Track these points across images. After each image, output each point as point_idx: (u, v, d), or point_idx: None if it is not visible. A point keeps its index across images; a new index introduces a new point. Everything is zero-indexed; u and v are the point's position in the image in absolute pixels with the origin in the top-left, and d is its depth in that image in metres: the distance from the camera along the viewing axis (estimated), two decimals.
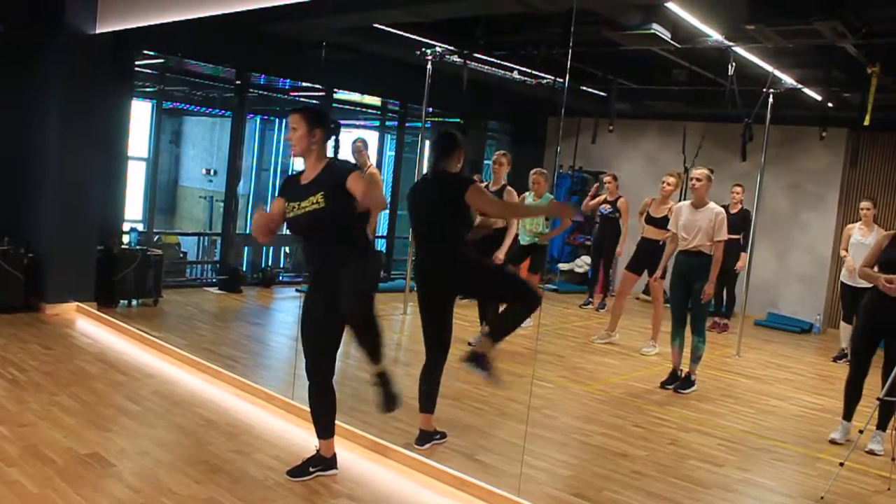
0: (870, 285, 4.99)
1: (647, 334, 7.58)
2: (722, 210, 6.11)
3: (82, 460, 3.74)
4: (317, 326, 3.69)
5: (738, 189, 8.72)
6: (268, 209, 3.82)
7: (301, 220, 3.62)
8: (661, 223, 7.01)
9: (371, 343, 3.80)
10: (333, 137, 3.78)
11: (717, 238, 5.99)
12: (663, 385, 6.17)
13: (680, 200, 6.38)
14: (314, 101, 10.90)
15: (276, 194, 3.85)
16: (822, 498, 4.15)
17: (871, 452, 4.90)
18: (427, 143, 8.86)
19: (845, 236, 7.76)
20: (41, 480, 3.47)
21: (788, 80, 7.63)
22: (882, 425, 4.93)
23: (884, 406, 4.74)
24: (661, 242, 6.91)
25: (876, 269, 4.97)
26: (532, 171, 7.32)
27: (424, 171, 9.23)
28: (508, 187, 6.87)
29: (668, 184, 7.25)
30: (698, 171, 6.15)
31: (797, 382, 6.85)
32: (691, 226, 6.07)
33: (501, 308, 4.34)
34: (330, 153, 3.75)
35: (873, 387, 4.97)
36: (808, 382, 7.01)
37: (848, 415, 5.12)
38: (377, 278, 3.85)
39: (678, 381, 6.16)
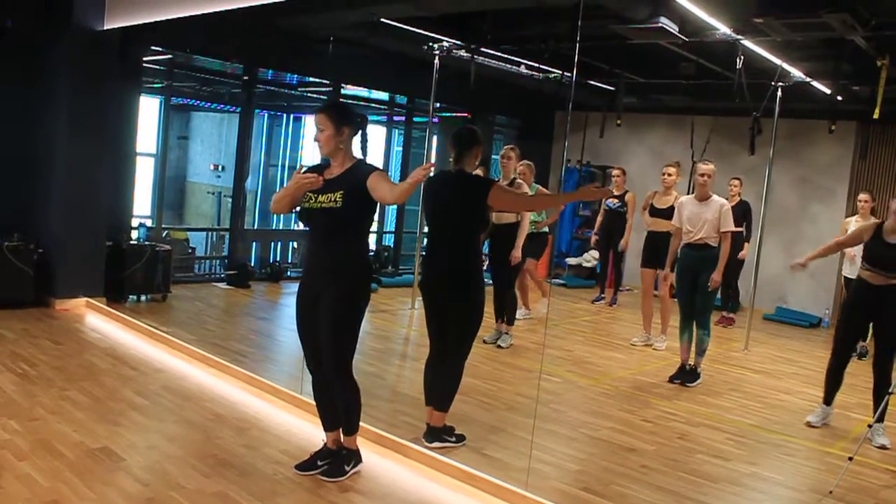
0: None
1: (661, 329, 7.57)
2: (727, 202, 6.19)
3: (92, 454, 3.76)
4: (310, 320, 3.69)
5: (737, 182, 8.79)
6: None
7: (314, 214, 3.62)
8: (667, 214, 7.00)
9: (342, 404, 3.74)
10: (360, 132, 3.73)
11: (724, 229, 6.05)
12: (672, 380, 6.17)
13: (689, 192, 6.37)
14: (322, 97, 10.91)
15: (305, 170, 3.79)
16: (830, 492, 4.14)
17: (882, 447, 4.91)
18: (435, 138, 8.86)
19: (843, 229, 7.77)
20: (52, 474, 3.49)
21: (797, 73, 7.59)
22: (881, 418, 4.92)
23: (881, 394, 4.85)
24: (669, 233, 6.87)
25: (856, 257, 5.22)
26: (518, 164, 7.32)
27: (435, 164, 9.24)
28: (518, 180, 6.85)
29: (669, 174, 7.31)
30: (707, 167, 6.19)
31: (806, 377, 6.83)
32: (696, 218, 6.10)
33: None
34: (357, 148, 3.72)
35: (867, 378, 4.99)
36: (816, 377, 6.93)
37: (828, 400, 5.29)
38: (358, 314, 3.67)
39: (686, 375, 6.18)
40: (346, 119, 3.64)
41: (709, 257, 6.05)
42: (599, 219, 9.45)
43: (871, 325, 5.22)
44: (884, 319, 5.00)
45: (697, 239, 6.09)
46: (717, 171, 7.47)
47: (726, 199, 8.62)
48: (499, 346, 6.80)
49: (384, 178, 3.56)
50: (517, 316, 7.96)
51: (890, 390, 4.42)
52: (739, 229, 8.64)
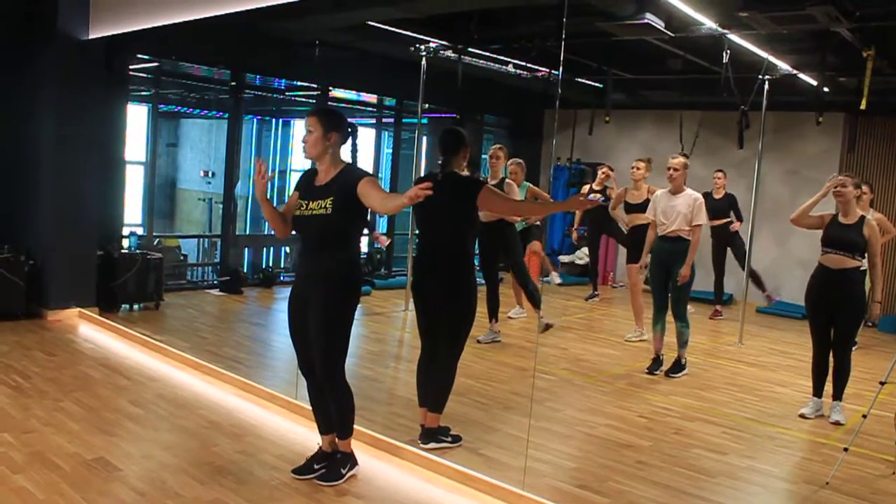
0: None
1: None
2: (700, 196, 6.23)
3: (88, 465, 3.75)
4: (302, 324, 3.69)
5: (720, 175, 8.97)
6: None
7: (305, 221, 3.62)
8: (642, 208, 6.99)
9: (335, 408, 3.77)
10: (350, 141, 3.73)
11: (696, 222, 6.13)
12: (649, 371, 6.26)
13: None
14: (311, 101, 10.89)
15: (294, 187, 3.81)
16: (827, 483, 4.15)
17: (837, 423, 5.19)
18: (424, 139, 8.84)
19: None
20: (47, 486, 3.48)
21: (784, 66, 7.61)
22: (839, 397, 5.27)
23: (839, 378, 5.19)
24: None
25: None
26: (508, 162, 7.33)
27: (423, 167, 9.25)
28: (508, 180, 6.88)
29: (638, 168, 7.33)
30: (675, 161, 6.23)
31: (800, 369, 6.83)
32: (670, 211, 6.17)
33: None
34: (347, 156, 3.72)
35: (871, 370, 5.00)
36: (810, 368, 6.99)
37: (817, 391, 5.39)
38: (348, 319, 3.68)
39: (670, 366, 6.28)
40: (335, 125, 3.64)
41: (681, 250, 6.11)
42: (579, 214, 9.49)
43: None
44: (841, 304, 5.16)
45: (670, 231, 6.15)
46: (706, 165, 7.47)
47: (711, 192, 8.77)
48: (477, 341, 6.77)
49: (375, 185, 3.55)
50: (511, 314, 7.99)
51: (882, 380, 4.43)
52: (727, 220, 8.79)
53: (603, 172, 9.10)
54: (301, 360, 3.76)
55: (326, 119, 3.64)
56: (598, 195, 9.00)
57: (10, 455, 3.80)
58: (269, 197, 3.69)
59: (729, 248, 9.02)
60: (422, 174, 8.35)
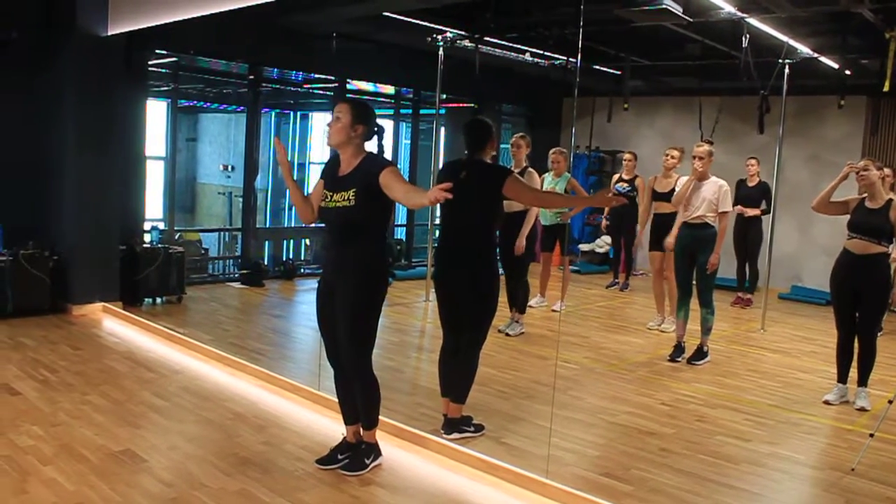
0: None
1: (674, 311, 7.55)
2: (725, 183, 6.19)
3: (115, 457, 3.80)
4: (329, 315, 3.71)
5: (753, 161, 8.79)
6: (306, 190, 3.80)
7: (330, 213, 3.63)
8: (669, 197, 6.92)
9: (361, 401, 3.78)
10: (377, 140, 3.72)
11: (722, 209, 6.09)
12: (671, 358, 6.24)
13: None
14: (328, 93, 10.91)
15: (320, 175, 3.81)
16: (852, 469, 4.12)
17: (862, 409, 5.16)
18: (442, 129, 8.83)
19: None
20: (76, 478, 3.53)
21: (804, 49, 7.52)
22: (864, 383, 5.23)
23: (864, 363, 5.17)
24: (674, 215, 6.74)
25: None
26: (551, 151, 7.26)
27: (441, 158, 9.24)
28: (530, 169, 6.82)
29: (672, 157, 7.21)
30: (701, 149, 6.18)
31: (823, 355, 6.78)
32: (695, 197, 6.14)
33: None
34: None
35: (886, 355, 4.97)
36: (834, 354, 6.92)
37: (842, 378, 5.35)
38: (374, 312, 3.69)
39: (692, 353, 6.24)
40: (364, 118, 3.62)
41: (707, 237, 6.08)
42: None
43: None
44: (865, 289, 5.12)
45: (695, 217, 6.11)
46: (727, 151, 7.37)
47: (745, 179, 8.69)
48: (506, 335, 6.78)
49: (398, 176, 3.52)
50: (532, 304, 7.98)
51: None
52: (757, 211, 8.69)
53: (627, 160, 9.00)
54: (329, 350, 3.78)
55: (357, 110, 3.63)
56: (626, 185, 8.92)
57: (40, 447, 3.86)
58: (280, 193, 3.70)
59: (747, 235, 8.93)
60: (440, 165, 8.33)
